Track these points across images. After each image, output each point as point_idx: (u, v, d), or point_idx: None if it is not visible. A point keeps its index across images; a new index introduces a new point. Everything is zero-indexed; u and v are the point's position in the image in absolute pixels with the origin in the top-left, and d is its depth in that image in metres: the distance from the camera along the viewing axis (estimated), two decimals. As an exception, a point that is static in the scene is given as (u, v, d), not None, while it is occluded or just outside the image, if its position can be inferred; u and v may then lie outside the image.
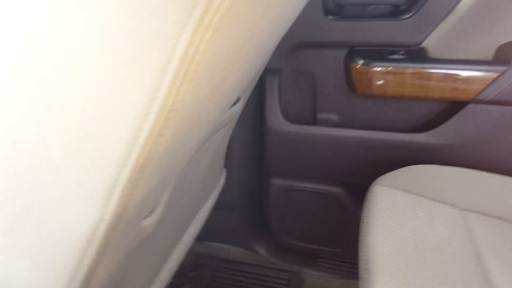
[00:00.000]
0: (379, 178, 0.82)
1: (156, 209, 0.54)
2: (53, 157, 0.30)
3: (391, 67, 0.87)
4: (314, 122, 1.00)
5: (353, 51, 0.90)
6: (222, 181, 1.00)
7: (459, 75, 0.85)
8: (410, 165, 0.85)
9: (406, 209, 0.74)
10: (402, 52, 0.87)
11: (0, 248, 0.35)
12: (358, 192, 0.92)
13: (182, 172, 0.61)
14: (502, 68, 0.82)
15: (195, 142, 0.46)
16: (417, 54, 0.87)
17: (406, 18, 0.86)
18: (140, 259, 0.61)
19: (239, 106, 0.75)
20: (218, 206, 1.02)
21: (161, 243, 0.69)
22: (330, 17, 0.88)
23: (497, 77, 0.82)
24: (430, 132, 0.91)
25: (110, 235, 0.37)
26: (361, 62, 0.89)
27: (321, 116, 1.00)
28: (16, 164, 0.31)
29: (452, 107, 0.89)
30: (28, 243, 0.35)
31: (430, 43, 0.87)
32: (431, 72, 0.85)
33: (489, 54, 0.84)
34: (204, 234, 1.16)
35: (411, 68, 0.86)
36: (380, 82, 0.89)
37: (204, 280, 1.07)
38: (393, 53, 0.88)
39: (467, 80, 0.85)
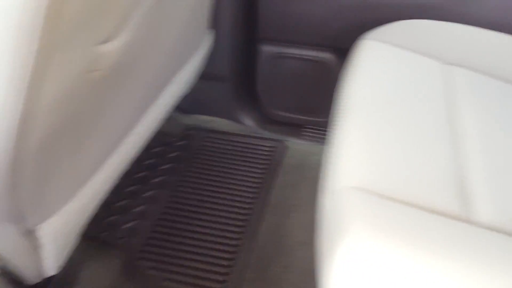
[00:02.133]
0: (367, 32, 0.78)
1: (118, 36, 0.51)
2: None
3: None
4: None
5: None
6: (207, 43, 0.96)
7: None
8: (404, 23, 0.81)
9: (388, 61, 0.71)
10: None
11: None
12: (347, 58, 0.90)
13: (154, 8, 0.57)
14: None
15: None
16: None
17: None
18: (109, 105, 0.59)
19: None
20: (207, 77, 1.00)
21: (132, 94, 0.67)
22: None
23: None
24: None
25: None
26: None
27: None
28: None
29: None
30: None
31: None
32: None
33: None
34: (193, 107, 1.16)
35: None
36: None
37: (192, 148, 1.09)
38: None
39: None
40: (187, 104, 1.05)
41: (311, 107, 1.09)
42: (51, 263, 0.58)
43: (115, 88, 0.58)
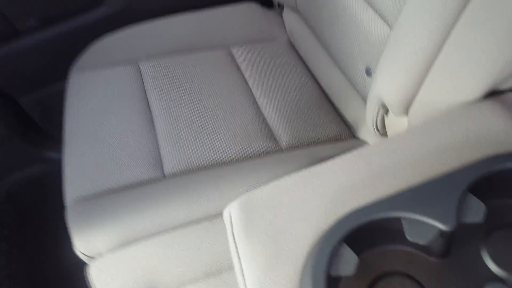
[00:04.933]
0: (73, 63, 0.91)
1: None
2: None
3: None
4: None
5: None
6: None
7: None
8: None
9: (97, 84, 0.87)
10: None
11: None
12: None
13: None
14: None
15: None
16: None
17: None
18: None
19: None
20: None
21: None
22: None
23: None
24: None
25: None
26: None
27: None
28: None
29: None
30: None
31: None
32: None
33: None
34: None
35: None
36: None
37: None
38: None
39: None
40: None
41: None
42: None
43: None
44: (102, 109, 0.81)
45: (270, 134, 0.79)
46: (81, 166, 0.72)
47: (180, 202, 0.67)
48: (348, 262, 0.30)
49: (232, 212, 0.39)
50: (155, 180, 0.71)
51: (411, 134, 0.40)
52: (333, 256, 0.30)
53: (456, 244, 0.32)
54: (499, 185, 0.33)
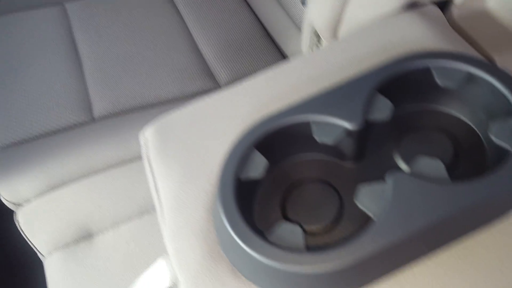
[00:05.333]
0: None
1: None
2: None
3: None
4: None
5: None
6: None
7: None
8: None
9: (20, 29, 0.83)
10: None
11: None
12: None
13: None
14: None
15: None
16: None
17: None
18: None
19: None
20: None
21: None
22: None
23: None
24: None
25: None
26: None
27: None
28: None
29: None
30: None
31: None
32: None
33: None
34: None
35: None
36: None
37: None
38: None
39: None
40: None
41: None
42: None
43: None
44: (24, 53, 0.75)
45: (208, 72, 0.77)
46: (3, 114, 0.68)
47: (110, 144, 0.65)
48: (257, 165, 0.29)
49: (146, 134, 0.37)
50: (83, 124, 0.68)
51: (330, 48, 0.39)
52: (243, 161, 0.29)
53: (368, 149, 0.32)
54: (409, 88, 0.33)
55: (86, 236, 0.60)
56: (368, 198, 0.27)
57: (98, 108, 0.70)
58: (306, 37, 0.63)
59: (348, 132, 0.30)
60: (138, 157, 0.64)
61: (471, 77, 0.31)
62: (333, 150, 0.32)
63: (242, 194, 0.29)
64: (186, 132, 0.36)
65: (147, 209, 0.61)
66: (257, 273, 0.27)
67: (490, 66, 0.31)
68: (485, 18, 0.43)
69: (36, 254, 0.61)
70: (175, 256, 0.30)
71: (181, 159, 0.34)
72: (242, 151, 0.30)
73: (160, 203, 0.34)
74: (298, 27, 0.74)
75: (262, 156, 0.30)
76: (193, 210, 0.31)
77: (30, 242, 0.60)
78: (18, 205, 0.62)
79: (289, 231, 0.27)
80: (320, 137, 0.30)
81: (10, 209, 0.63)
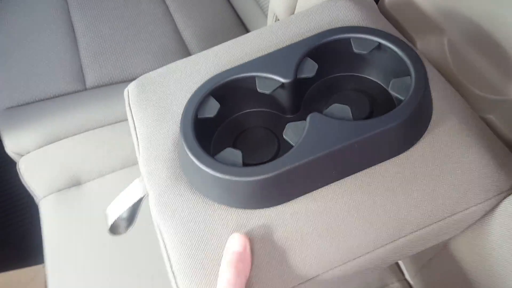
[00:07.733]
0: None
1: None
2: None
3: None
4: None
5: None
6: None
7: None
8: None
9: (22, 7, 0.94)
10: None
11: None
12: None
13: None
14: None
15: None
16: None
17: None
18: None
19: None
20: None
21: None
22: None
23: None
24: None
25: None
26: None
27: None
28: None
29: None
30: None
31: None
32: None
33: None
34: None
35: None
36: None
37: None
38: None
39: None
40: None
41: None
42: None
43: None
44: (26, 28, 0.86)
45: (186, 51, 0.87)
46: (9, 80, 0.79)
47: (99, 108, 0.76)
48: (212, 108, 0.39)
49: (129, 89, 0.46)
50: (77, 91, 0.79)
51: (278, 24, 0.48)
52: (201, 105, 0.39)
53: (303, 105, 0.42)
54: (335, 56, 0.42)
55: (76, 183, 0.70)
56: (292, 132, 0.37)
57: (90, 78, 0.81)
58: (270, 22, 0.73)
59: (283, 85, 0.39)
60: (122, 120, 0.74)
61: (380, 46, 0.41)
62: (275, 104, 0.41)
63: (201, 129, 0.38)
64: (160, 85, 0.45)
65: (128, 164, 0.71)
66: (207, 184, 0.37)
67: (394, 38, 0.40)
68: (411, 7, 0.53)
69: (33, 199, 0.71)
70: (147, 177, 0.40)
71: (154, 105, 0.43)
72: (200, 97, 0.39)
73: (137, 139, 0.43)
74: (265, 15, 0.84)
75: (216, 101, 0.39)
76: (162, 143, 0.41)
77: (29, 186, 0.69)
78: (20, 155, 0.72)
79: (232, 153, 0.37)
80: (261, 88, 0.39)
81: (12, 162, 0.72)
